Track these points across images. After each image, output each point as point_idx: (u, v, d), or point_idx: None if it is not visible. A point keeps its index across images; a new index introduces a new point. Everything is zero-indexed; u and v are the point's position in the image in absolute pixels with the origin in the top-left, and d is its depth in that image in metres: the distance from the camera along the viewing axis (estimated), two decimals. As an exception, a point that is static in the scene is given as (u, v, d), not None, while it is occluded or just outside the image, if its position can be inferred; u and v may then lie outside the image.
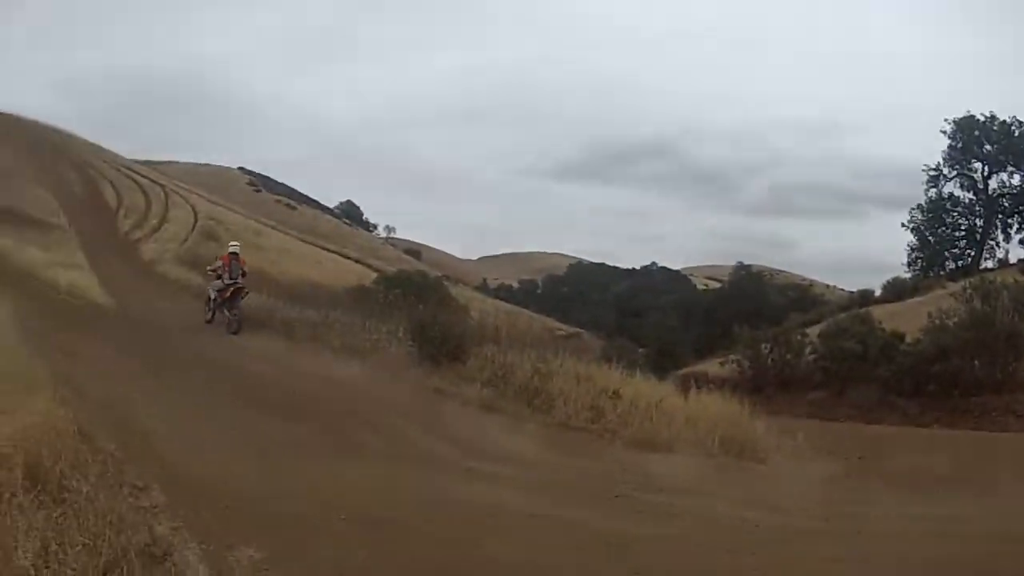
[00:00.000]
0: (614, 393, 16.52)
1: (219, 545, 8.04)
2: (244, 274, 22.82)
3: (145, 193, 52.37)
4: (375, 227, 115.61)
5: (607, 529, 9.25)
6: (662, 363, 34.14)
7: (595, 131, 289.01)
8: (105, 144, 69.75)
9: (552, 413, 16.00)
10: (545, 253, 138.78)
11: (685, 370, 36.24)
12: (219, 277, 22.83)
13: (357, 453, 12.70)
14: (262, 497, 9.85)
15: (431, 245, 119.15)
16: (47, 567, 6.30)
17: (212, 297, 22.78)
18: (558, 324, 60.04)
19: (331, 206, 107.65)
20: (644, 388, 17.38)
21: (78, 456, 9.29)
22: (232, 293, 22.22)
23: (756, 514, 10.48)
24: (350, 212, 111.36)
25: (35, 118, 66.58)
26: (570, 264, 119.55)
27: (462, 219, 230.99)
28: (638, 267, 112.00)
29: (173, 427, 12.83)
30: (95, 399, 13.23)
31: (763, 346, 33.63)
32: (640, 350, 41.65)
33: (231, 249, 23.83)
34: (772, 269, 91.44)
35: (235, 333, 21.86)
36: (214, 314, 22.69)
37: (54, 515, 7.36)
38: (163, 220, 45.93)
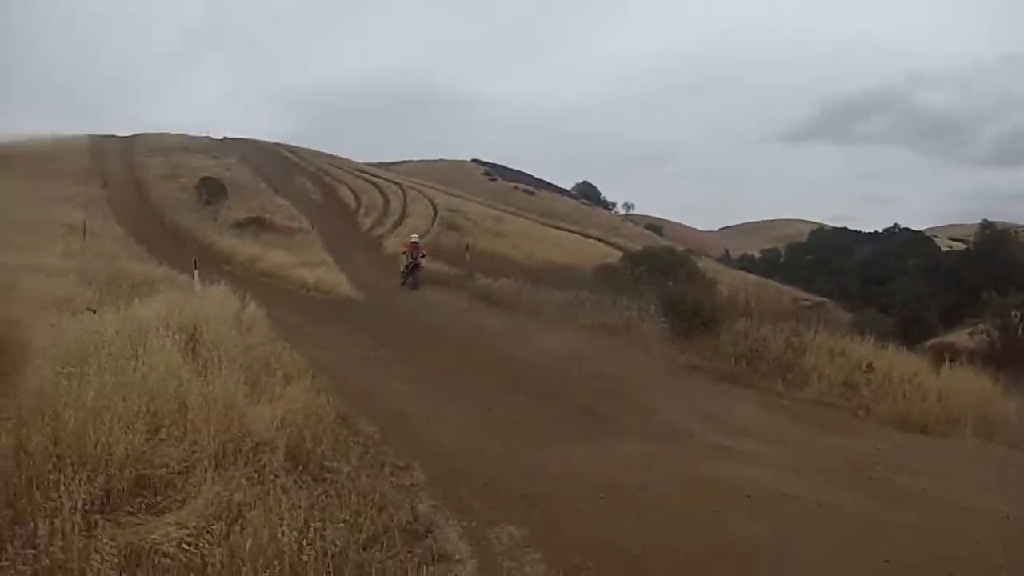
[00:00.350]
0: (868, 367, 15.57)
1: (479, 522, 8.04)
2: (423, 256, 30.71)
3: (382, 192, 53.94)
4: (613, 205, 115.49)
5: (858, 513, 8.66)
6: (910, 333, 31.70)
7: (821, 90, 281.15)
8: (338, 153, 72.82)
9: (805, 389, 15.22)
10: (785, 220, 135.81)
11: (933, 341, 33.76)
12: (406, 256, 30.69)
13: (611, 431, 12.35)
14: (519, 475, 9.74)
15: (671, 219, 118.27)
16: (309, 544, 6.37)
17: (402, 270, 30.34)
18: (803, 294, 57.86)
19: (567, 188, 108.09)
20: (896, 362, 16.23)
21: (338, 439, 9.66)
22: (412, 268, 29.88)
23: (1006, 505, 9.48)
24: (587, 192, 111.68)
25: (269, 139, 70.78)
26: (811, 231, 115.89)
27: (700, 191, 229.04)
28: (880, 230, 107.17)
29: (429, 409, 12.96)
30: (351, 385, 13.60)
31: (1012, 314, 30.65)
32: (887, 319, 39.32)
33: (412, 239, 31.85)
34: (1017, 226, 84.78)
35: (414, 289, 29.28)
36: (405, 280, 29.93)
37: (315, 494, 7.61)
38: (403, 215, 47.20)
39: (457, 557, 7.19)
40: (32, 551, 5.77)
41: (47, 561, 5.68)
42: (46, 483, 6.48)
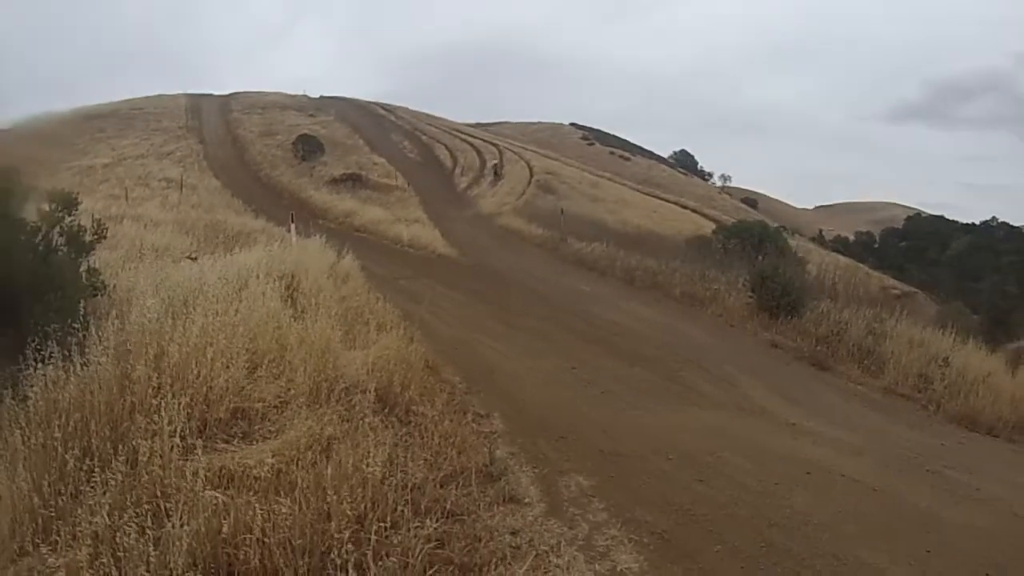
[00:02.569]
0: (943, 361, 15.38)
1: (551, 471, 8.45)
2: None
3: (479, 152, 54.29)
4: (710, 176, 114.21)
5: (911, 503, 8.74)
6: (994, 334, 30.71)
7: (925, 68, 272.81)
8: (436, 113, 73.43)
9: (881, 376, 15.13)
10: (882, 203, 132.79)
11: (1016, 344, 32.73)
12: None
13: (689, 399, 12.49)
14: (596, 431, 10.04)
15: (767, 194, 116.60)
16: (391, 476, 6.85)
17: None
18: (893, 282, 56.61)
19: (665, 156, 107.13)
20: (974, 359, 16.00)
21: (425, 386, 10.07)
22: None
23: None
24: (684, 161, 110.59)
25: (366, 98, 71.62)
26: (908, 216, 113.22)
27: (797, 166, 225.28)
28: (978, 222, 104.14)
29: (515, 364, 13.31)
30: (442, 337, 14.13)
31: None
32: (974, 316, 38.44)
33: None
34: None
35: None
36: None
37: (400, 433, 8.15)
38: (498, 176, 47.44)
39: (526, 500, 7.57)
40: (132, 469, 6.20)
41: (146, 477, 6.10)
42: (148, 409, 6.90)
